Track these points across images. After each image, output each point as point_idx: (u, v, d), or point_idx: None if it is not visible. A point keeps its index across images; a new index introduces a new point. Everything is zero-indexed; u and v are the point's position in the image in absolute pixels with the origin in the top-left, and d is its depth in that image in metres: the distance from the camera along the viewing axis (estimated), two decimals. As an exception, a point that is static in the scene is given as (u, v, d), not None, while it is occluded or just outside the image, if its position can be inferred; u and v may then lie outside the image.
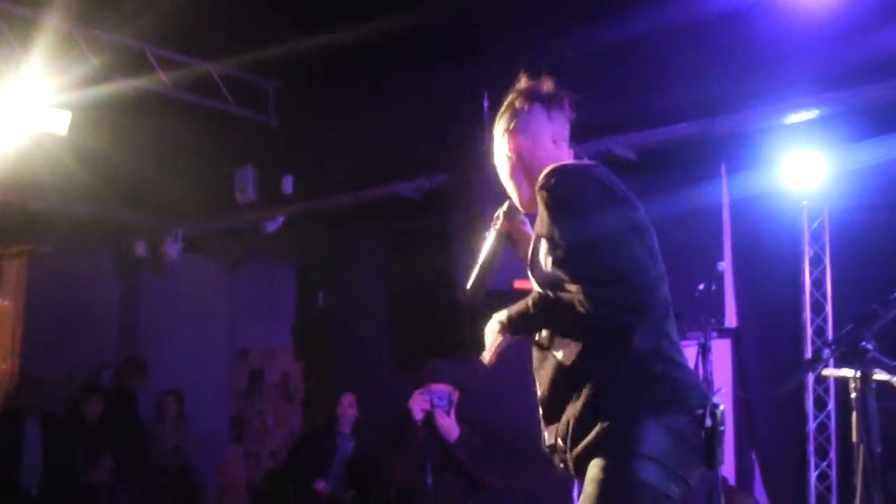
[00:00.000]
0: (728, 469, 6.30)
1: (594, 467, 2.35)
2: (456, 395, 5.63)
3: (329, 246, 8.59)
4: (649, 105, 6.23)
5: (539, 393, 2.57)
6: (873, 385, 2.22)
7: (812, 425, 6.37)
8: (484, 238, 2.85)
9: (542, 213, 2.47)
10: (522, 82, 2.71)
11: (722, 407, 2.36)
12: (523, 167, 2.65)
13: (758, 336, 6.49)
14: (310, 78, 7.56)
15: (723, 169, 6.55)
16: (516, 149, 2.66)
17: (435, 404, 5.51)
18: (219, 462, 9.60)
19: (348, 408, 7.33)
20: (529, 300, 2.51)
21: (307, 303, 9.13)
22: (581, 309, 2.30)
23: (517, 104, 2.69)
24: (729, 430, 6.06)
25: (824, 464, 6.34)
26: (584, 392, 2.40)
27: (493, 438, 5.86)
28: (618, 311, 2.30)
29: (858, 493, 4.22)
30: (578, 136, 2.84)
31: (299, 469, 7.31)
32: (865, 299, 5.88)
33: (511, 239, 2.85)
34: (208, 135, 7.68)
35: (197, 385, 9.10)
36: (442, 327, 7.09)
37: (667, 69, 6.05)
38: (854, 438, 4.22)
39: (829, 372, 4.15)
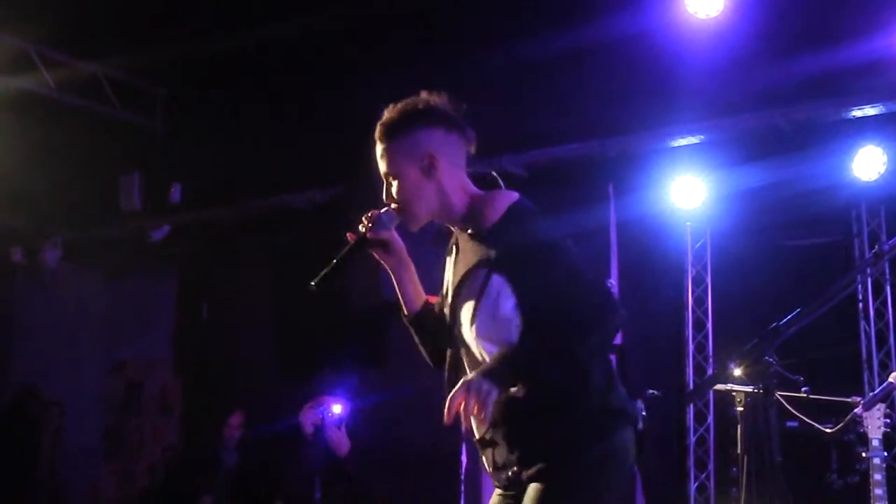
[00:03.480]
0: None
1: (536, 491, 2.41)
2: (347, 410, 5.62)
3: (215, 257, 8.43)
4: (541, 125, 6.38)
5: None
6: (774, 399, 2.34)
7: (692, 438, 6.60)
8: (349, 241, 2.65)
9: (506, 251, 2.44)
10: (434, 97, 2.61)
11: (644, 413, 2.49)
12: (438, 189, 2.57)
13: (642, 352, 6.68)
14: (200, 84, 7.44)
15: (610, 189, 6.73)
16: (438, 170, 2.56)
17: (326, 419, 5.49)
18: (91, 478, 9.27)
19: (235, 429, 7.20)
20: (508, 352, 2.41)
21: (189, 315, 8.93)
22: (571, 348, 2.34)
23: (437, 124, 2.58)
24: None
25: (703, 476, 6.57)
26: (540, 423, 2.43)
27: (383, 451, 5.88)
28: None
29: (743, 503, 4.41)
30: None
31: (181, 484, 7.14)
32: (744, 317, 6.22)
33: (385, 249, 2.69)
34: (93, 139, 7.45)
35: (71, 398, 8.78)
36: (332, 340, 7.06)
37: (559, 91, 6.21)
38: (739, 450, 4.43)
39: (729, 387, 4.33)
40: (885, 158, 5.70)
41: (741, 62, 5.62)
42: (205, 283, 8.71)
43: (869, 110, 5.50)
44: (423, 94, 2.61)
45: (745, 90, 5.68)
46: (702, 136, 6.02)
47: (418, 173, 2.55)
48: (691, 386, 6.59)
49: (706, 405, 6.61)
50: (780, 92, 5.57)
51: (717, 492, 6.43)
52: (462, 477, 6.29)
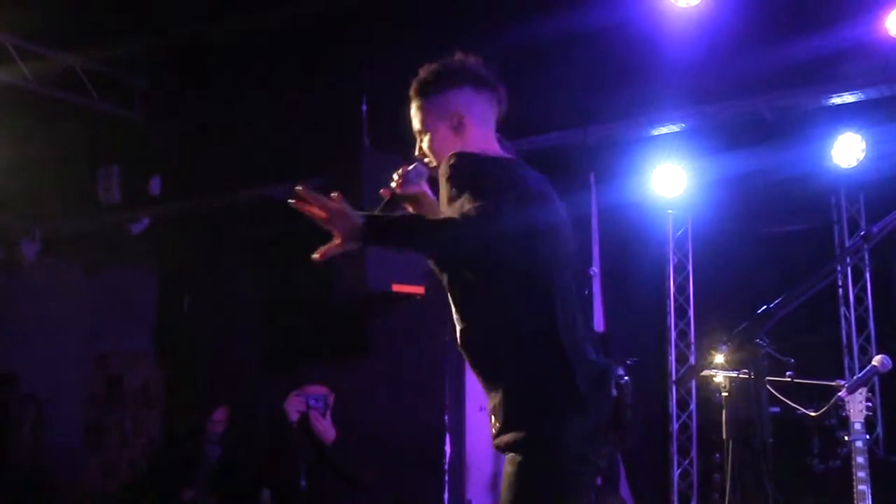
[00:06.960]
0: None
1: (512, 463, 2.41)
2: (332, 397, 5.59)
3: (196, 249, 8.39)
4: (522, 114, 6.35)
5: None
6: (764, 382, 2.35)
7: (675, 426, 6.64)
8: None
9: (443, 189, 2.53)
10: (467, 58, 2.76)
11: (626, 378, 2.45)
12: (464, 146, 2.67)
13: (624, 340, 6.71)
14: (178, 76, 7.38)
15: (592, 178, 6.74)
16: (465, 128, 2.70)
17: (311, 406, 5.46)
18: (74, 472, 9.22)
19: (218, 424, 7.17)
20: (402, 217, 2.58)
21: (170, 307, 8.88)
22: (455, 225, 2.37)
23: (457, 83, 2.72)
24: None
25: (686, 462, 6.62)
26: (500, 377, 2.46)
27: (368, 439, 5.86)
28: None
29: (728, 488, 4.44)
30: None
31: (163, 478, 7.10)
32: (725, 304, 6.26)
33: (415, 202, 2.84)
34: (71, 131, 7.38)
35: (52, 392, 8.72)
36: (316, 330, 7.05)
37: (540, 80, 6.20)
38: (724, 435, 4.46)
39: (715, 372, 4.35)
40: (863, 145, 5.74)
41: (721, 50, 5.63)
42: (186, 276, 8.67)
43: (848, 97, 5.53)
44: (458, 55, 2.77)
45: (725, 78, 5.69)
46: (683, 125, 6.02)
47: (447, 130, 2.71)
48: (673, 373, 6.63)
49: (688, 392, 6.66)
50: (760, 80, 5.58)
51: (700, 478, 6.48)
52: (446, 468, 6.30)
